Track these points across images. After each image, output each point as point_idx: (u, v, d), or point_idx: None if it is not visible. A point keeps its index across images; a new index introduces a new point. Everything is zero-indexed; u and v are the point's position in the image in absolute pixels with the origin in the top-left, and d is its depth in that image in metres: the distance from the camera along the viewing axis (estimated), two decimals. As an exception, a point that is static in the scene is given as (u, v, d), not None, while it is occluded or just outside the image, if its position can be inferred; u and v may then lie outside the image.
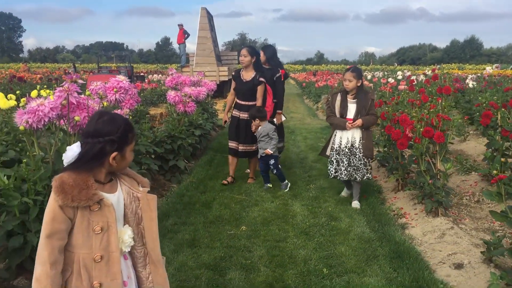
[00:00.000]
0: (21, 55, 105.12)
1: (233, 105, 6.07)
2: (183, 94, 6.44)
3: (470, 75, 16.08)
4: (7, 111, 4.76)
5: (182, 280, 3.14)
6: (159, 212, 4.54)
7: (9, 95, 4.77)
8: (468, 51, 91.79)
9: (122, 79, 4.48)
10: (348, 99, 4.84)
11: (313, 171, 6.51)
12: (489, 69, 13.18)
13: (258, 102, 5.69)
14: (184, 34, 21.07)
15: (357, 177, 4.81)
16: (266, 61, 6.14)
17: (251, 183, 5.81)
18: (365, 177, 4.83)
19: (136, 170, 4.29)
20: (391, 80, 15.18)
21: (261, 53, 6.11)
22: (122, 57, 36.32)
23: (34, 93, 5.30)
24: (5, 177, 2.91)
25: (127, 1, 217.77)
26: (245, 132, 5.72)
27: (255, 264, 3.42)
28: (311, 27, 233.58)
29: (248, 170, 6.19)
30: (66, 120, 3.24)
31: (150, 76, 26.31)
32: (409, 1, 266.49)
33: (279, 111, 6.10)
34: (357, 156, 4.80)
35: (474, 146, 7.52)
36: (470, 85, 11.67)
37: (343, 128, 4.80)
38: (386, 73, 26.79)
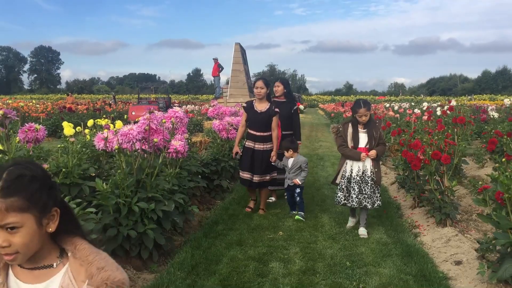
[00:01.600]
0: (58, 86, 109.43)
1: (242, 137, 6.25)
2: (227, 122, 7.40)
3: (490, 106, 16.68)
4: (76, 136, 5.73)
5: (234, 267, 4.00)
6: (209, 221, 5.44)
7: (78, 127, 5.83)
8: (500, 81, 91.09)
9: (177, 110, 5.46)
10: (359, 129, 4.99)
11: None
12: (507, 100, 13.84)
13: (275, 133, 5.77)
14: (218, 68, 22.37)
15: (367, 204, 4.96)
16: (285, 93, 6.41)
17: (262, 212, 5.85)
18: (376, 205, 5.01)
19: (188, 186, 5.22)
20: (417, 110, 15.90)
21: (281, 86, 6.37)
22: (156, 89, 38.08)
23: (90, 122, 6.38)
24: (104, 183, 3.87)
25: (159, 33, 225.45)
26: (261, 162, 5.76)
27: (291, 258, 4.26)
28: (339, 58, 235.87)
29: (272, 198, 6.48)
30: (146, 142, 4.22)
31: (184, 107, 27.69)
32: (439, 32, 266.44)
33: (299, 142, 6.23)
34: (368, 184, 4.95)
35: (491, 171, 8.18)
36: (491, 115, 12.32)
37: (358, 159, 4.94)
38: (413, 104, 27.38)
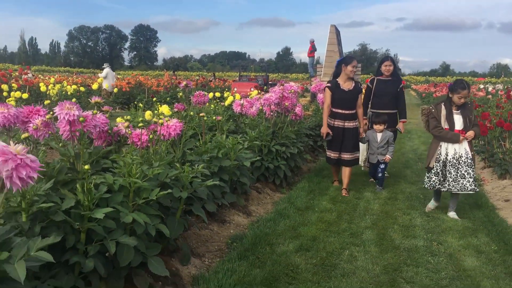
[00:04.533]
0: (155, 63, 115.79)
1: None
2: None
3: None
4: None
5: (338, 192, 5.73)
6: (316, 168, 7.20)
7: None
8: None
9: (293, 85, 7.20)
10: (453, 110, 4.82)
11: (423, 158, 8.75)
12: None
13: (361, 110, 5.91)
14: (313, 48, 23.86)
15: (467, 185, 4.73)
16: (393, 72, 6.37)
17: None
18: (470, 189, 4.74)
19: (305, 140, 6.97)
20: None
21: (392, 65, 6.32)
22: (244, 67, 40.14)
23: (218, 94, 8.32)
24: (252, 131, 5.75)
25: (250, 12, 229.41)
26: (352, 140, 5.85)
27: (387, 231, 5.88)
28: (437, 37, 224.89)
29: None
30: (278, 106, 6.04)
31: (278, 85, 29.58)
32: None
33: (404, 120, 6.42)
34: (464, 168, 4.76)
35: None
36: None
37: (456, 141, 4.77)
38: (510, 85, 26.96)
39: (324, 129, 5.89)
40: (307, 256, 3.71)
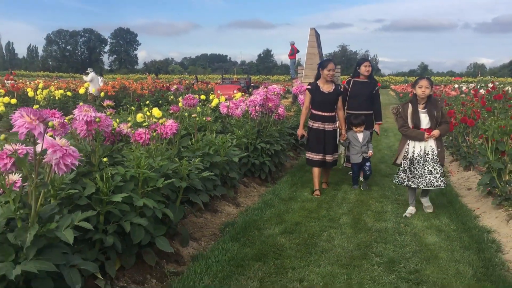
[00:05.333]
0: (136, 67, 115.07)
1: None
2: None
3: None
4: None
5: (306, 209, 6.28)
6: (298, 164, 7.74)
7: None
8: None
9: (275, 87, 7.74)
10: (419, 109, 4.93)
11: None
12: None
13: (341, 112, 6.04)
14: (294, 51, 24.52)
15: (433, 180, 4.85)
16: (369, 74, 6.46)
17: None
18: (436, 185, 4.87)
19: (287, 139, 7.52)
20: (482, 91, 17.14)
21: (368, 66, 6.41)
22: (226, 69, 40.53)
23: (203, 97, 8.84)
24: (239, 130, 6.26)
25: (230, 14, 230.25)
26: (333, 142, 5.99)
27: (361, 216, 6.45)
28: (415, 38, 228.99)
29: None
30: (262, 107, 6.56)
31: (261, 87, 30.22)
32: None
33: (380, 122, 6.53)
34: (431, 165, 4.89)
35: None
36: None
37: (421, 140, 4.91)
38: (483, 85, 27.99)
39: (300, 131, 6.16)
40: (291, 238, 4.24)
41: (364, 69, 6.42)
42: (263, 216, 4.84)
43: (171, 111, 4.88)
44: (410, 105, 4.98)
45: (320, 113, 5.91)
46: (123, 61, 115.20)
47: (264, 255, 3.80)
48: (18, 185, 2.40)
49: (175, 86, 6.73)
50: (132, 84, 22.23)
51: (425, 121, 4.91)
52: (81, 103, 3.75)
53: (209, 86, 29.23)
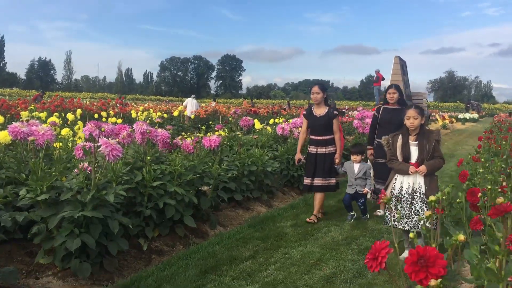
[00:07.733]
0: (240, 92, 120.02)
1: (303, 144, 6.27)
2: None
3: None
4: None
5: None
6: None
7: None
8: None
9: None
10: (410, 141, 4.44)
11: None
12: None
13: (337, 135, 5.84)
14: (376, 79, 25.18)
15: (418, 228, 4.16)
16: (398, 100, 6.11)
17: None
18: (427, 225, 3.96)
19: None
20: None
21: (396, 93, 6.10)
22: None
23: (271, 121, 10.19)
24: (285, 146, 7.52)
25: (335, 40, 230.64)
26: (323, 165, 5.84)
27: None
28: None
29: (381, 211, 6.23)
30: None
31: (350, 112, 31.03)
32: None
33: None
34: (419, 204, 4.29)
35: None
36: None
37: (406, 173, 4.36)
38: None
39: (296, 156, 6.20)
40: (297, 229, 5.38)
41: (388, 96, 6.16)
42: (283, 214, 6.02)
43: (216, 129, 6.30)
44: (400, 136, 4.49)
45: (313, 137, 5.99)
46: (228, 86, 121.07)
47: (267, 237, 5.01)
48: (85, 167, 3.90)
49: (233, 110, 8.15)
50: (221, 108, 24.42)
51: (415, 154, 4.39)
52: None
53: (298, 110, 30.67)
